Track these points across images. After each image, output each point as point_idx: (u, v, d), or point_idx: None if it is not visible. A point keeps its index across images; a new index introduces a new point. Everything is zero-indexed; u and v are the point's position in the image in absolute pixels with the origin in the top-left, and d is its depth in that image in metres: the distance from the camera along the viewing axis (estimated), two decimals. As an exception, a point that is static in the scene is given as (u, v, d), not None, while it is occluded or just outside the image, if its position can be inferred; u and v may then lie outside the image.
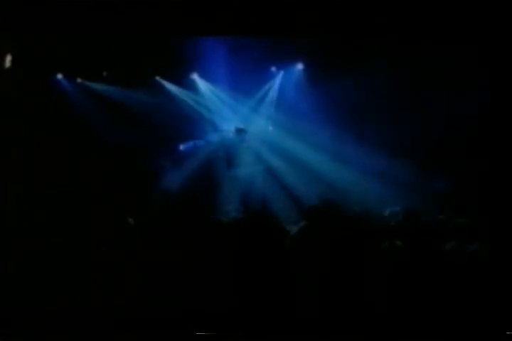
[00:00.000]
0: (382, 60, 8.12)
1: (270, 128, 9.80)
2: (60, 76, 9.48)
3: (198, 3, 6.79)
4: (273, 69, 9.59)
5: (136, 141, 9.43)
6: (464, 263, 4.32)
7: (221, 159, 9.41)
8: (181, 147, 9.82)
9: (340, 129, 8.91)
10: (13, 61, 8.21)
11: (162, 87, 9.66)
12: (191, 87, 9.76)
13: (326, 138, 9.08)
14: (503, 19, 6.68)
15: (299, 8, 6.66)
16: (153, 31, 7.20)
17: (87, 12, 6.81)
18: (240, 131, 9.59)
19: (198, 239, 4.95)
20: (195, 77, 9.69)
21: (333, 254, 4.48)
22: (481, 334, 4.03)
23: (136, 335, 4.37)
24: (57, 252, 4.98)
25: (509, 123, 8.05)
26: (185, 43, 8.35)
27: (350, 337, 4.17)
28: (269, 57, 9.06)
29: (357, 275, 4.36)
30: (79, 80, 9.60)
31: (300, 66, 9.35)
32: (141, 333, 4.37)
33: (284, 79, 9.60)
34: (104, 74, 9.49)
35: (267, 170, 9.23)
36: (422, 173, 8.20)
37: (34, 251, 5.00)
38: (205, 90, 9.78)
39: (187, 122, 9.70)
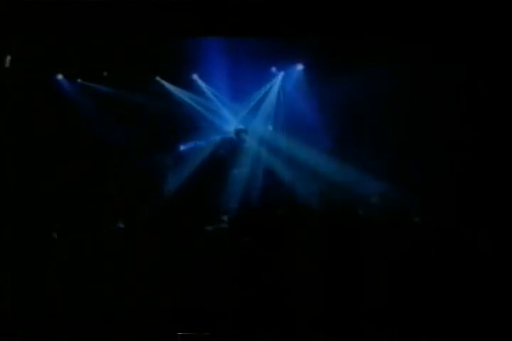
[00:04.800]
0: (382, 60, 8.11)
1: (270, 128, 9.80)
2: (60, 76, 9.48)
3: (199, 4, 6.79)
4: (273, 69, 9.59)
5: (136, 141, 9.43)
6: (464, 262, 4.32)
7: (221, 159, 9.41)
8: (182, 147, 9.82)
9: (339, 129, 8.92)
10: (13, 61, 8.22)
11: (162, 87, 9.66)
12: (191, 87, 9.76)
13: (325, 138, 9.09)
14: (503, 19, 6.69)
15: (299, 8, 6.66)
16: (153, 31, 7.20)
17: (87, 12, 6.82)
18: (240, 132, 9.60)
19: (198, 238, 4.96)
20: (195, 77, 9.69)
21: (330, 253, 4.49)
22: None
23: (136, 335, 4.37)
24: (57, 252, 4.98)
25: (509, 123, 8.04)
26: (186, 44, 8.35)
27: (350, 337, 4.18)
28: (270, 57, 9.05)
29: (356, 275, 4.37)
30: (79, 80, 9.60)
31: (300, 67, 9.35)
32: (141, 333, 4.37)
33: (284, 79, 9.60)
34: (105, 74, 9.49)
35: (267, 170, 9.23)
36: (421, 173, 8.20)
37: (34, 251, 5.00)
38: (206, 90, 9.78)
39: (187, 122, 9.70)
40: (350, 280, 4.36)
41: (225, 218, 6.51)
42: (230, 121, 9.90)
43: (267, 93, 9.72)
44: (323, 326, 4.24)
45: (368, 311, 4.21)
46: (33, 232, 5.49)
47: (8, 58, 8.15)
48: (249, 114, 9.84)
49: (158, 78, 9.64)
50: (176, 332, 4.36)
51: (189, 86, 9.74)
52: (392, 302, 4.21)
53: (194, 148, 9.78)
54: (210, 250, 4.86)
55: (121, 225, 6.02)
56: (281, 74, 9.59)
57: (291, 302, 4.36)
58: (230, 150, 9.50)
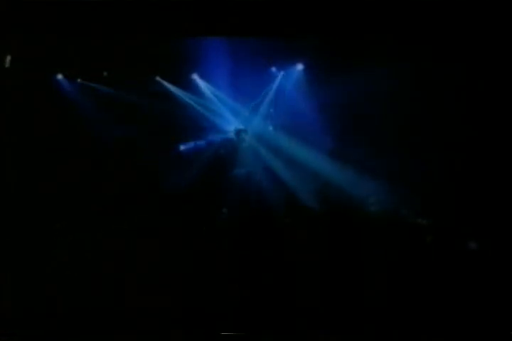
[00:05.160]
0: (382, 60, 8.11)
1: (270, 128, 9.80)
2: (60, 76, 9.48)
3: (199, 4, 6.79)
4: (273, 69, 9.59)
5: (136, 141, 9.43)
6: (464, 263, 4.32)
7: (221, 159, 9.41)
8: (182, 147, 9.81)
9: (340, 129, 8.92)
10: (13, 61, 8.22)
11: (162, 87, 9.66)
12: (191, 87, 9.75)
13: (325, 138, 9.09)
14: (503, 19, 6.68)
15: (299, 8, 6.66)
16: (153, 31, 7.20)
17: (87, 12, 6.81)
18: (239, 132, 9.59)
19: (198, 238, 4.96)
20: (195, 77, 9.69)
21: (330, 253, 4.49)
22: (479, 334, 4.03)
23: (136, 335, 4.36)
24: (57, 252, 4.98)
25: (509, 123, 8.04)
26: (186, 43, 8.34)
27: (350, 337, 4.17)
28: (270, 57, 9.05)
29: (355, 274, 4.37)
30: (79, 80, 9.61)
31: (300, 66, 9.35)
32: (141, 333, 4.37)
33: (284, 79, 9.60)
34: (105, 74, 9.49)
35: (267, 170, 9.23)
36: (421, 173, 8.20)
37: (34, 251, 5.00)
38: (206, 90, 9.77)
39: (187, 122, 9.69)
40: (350, 281, 4.36)
41: (225, 210, 6.46)
42: (230, 121, 9.90)
43: (267, 93, 9.72)
44: (323, 326, 4.23)
45: (368, 311, 4.21)
46: (32, 232, 5.48)
47: (8, 58, 8.15)
48: (250, 113, 9.83)
49: (158, 78, 9.64)
50: (175, 332, 4.36)
51: (189, 86, 9.74)
52: (392, 302, 4.21)
53: (194, 148, 9.77)
54: (210, 250, 4.86)
55: (120, 225, 6.01)
56: (281, 74, 9.59)
57: (291, 302, 4.36)
58: (230, 150, 9.50)
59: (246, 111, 9.82)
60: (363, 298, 4.25)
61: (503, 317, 4.04)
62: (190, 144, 9.80)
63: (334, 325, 4.22)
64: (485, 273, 4.20)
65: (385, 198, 7.65)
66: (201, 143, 9.80)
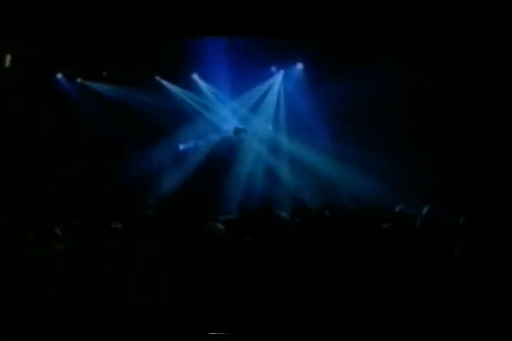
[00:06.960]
0: (382, 60, 8.11)
1: (270, 128, 9.80)
2: (60, 76, 9.49)
3: (199, 4, 6.80)
4: (273, 69, 9.59)
5: (136, 141, 9.44)
6: (465, 263, 4.32)
7: (221, 159, 9.41)
8: (181, 147, 9.81)
9: (339, 129, 8.93)
10: (13, 61, 8.22)
11: (162, 87, 9.67)
12: (191, 86, 9.76)
13: (325, 137, 9.10)
14: (503, 19, 6.69)
15: (299, 8, 6.67)
16: (153, 31, 7.21)
17: (87, 12, 6.82)
18: (239, 131, 9.57)
19: (197, 239, 4.95)
20: (195, 76, 9.70)
21: (330, 252, 4.48)
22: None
23: (136, 335, 4.36)
24: (58, 252, 4.98)
25: (509, 123, 8.05)
26: (186, 43, 8.35)
27: (350, 337, 4.17)
28: (269, 57, 9.05)
29: (355, 274, 4.36)
30: (79, 80, 9.61)
31: (300, 66, 9.35)
32: (141, 333, 4.37)
33: (284, 79, 9.60)
34: (104, 74, 9.50)
35: (267, 170, 9.24)
36: (421, 173, 8.22)
37: (33, 250, 5.00)
38: (205, 90, 9.78)
39: (187, 122, 9.70)
40: (351, 280, 4.36)
41: (221, 218, 6.46)
42: (229, 121, 9.90)
43: (266, 92, 9.73)
44: (323, 326, 4.24)
45: (368, 311, 4.22)
46: (32, 232, 5.48)
47: (8, 58, 8.16)
48: (250, 113, 9.84)
49: (158, 78, 9.65)
50: (175, 332, 4.36)
51: (189, 86, 9.75)
52: (393, 302, 4.21)
53: (193, 148, 9.77)
54: (210, 250, 4.86)
55: (119, 225, 6.00)
56: (281, 74, 9.60)
57: (291, 302, 4.36)
58: (229, 150, 9.50)
59: (246, 111, 9.83)
60: (363, 298, 4.26)
61: (504, 319, 4.05)
62: (190, 144, 9.80)
63: (334, 325, 4.22)
64: (485, 273, 4.20)
65: (385, 198, 7.66)
66: (201, 142, 9.80)
